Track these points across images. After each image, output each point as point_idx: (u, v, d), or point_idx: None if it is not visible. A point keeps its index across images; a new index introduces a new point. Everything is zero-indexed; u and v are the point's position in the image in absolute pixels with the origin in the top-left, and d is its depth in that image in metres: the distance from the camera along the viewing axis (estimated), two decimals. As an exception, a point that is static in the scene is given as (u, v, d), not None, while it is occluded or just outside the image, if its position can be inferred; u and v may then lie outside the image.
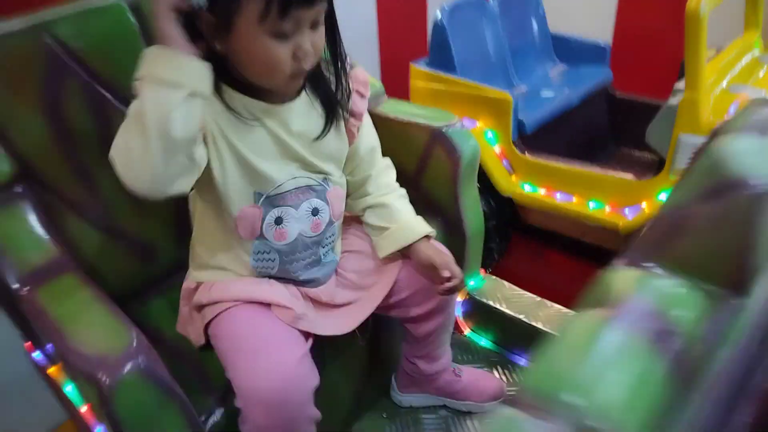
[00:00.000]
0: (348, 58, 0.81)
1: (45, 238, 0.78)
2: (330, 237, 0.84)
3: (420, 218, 0.90)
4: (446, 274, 0.83)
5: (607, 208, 1.49)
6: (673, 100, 1.34)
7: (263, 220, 0.77)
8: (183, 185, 0.68)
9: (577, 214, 1.52)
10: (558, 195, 1.55)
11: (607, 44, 1.91)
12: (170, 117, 0.62)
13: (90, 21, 0.83)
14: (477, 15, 1.72)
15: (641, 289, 0.44)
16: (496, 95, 1.55)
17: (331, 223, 0.83)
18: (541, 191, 1.58)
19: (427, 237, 0.87)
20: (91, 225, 0.86)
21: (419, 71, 1.67)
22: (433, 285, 0.85)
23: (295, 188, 0.78)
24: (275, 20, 0.65)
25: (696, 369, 0.38)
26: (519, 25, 1.89)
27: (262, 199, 0.76)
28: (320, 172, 0.80)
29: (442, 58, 1.64)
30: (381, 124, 0.95)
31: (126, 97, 0.79)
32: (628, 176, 1.44)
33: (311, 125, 0.78)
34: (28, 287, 0.73)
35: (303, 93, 0.78)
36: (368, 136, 0.89)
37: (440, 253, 0.86)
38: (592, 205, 1.51)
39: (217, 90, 0.71)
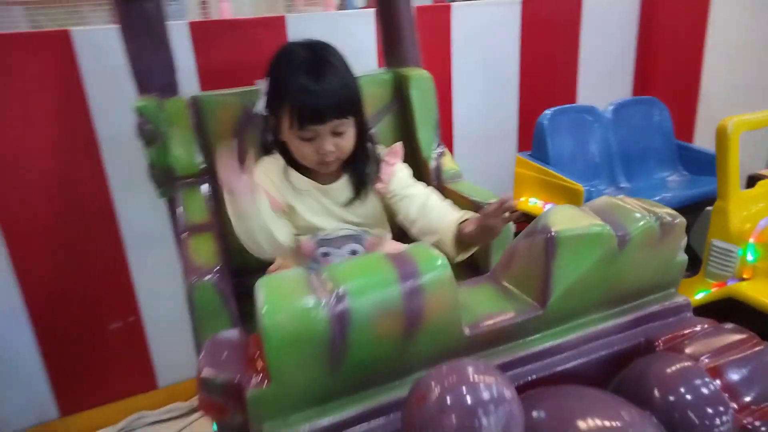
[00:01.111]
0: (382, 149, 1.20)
1: (206, 210, 1.21)
2: None
3: (453, 211, 1.10)
4: (494, 206, 0.96)
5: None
6: (715, 208, 1.42)
7: (316, 250, 1.15)
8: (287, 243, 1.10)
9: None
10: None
11: (733, 157, 1.93)
12: (255, 239, 1.02)
13: None
14: (583, 118, 1.97)
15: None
16: (571, 185, 1.78)
17: None
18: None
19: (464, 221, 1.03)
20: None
21: (521, 159, 1.98)
22: None
23: (339, 236, 1.14)
24: (298, 130, 1.05)
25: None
26: (639, 132, 2.04)
27: (315, 239, 1.15)
28: (359, 225, 1.16)
29: (540, 151, 1.93)
30: (452, 197, 1.26)
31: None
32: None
33: (345, 197, 1.15)
34: (187, 233, 1.16)
35: (343, 175, 1.16)
36: (414, 203, 1.14)
37: (478, 216, 1.01)
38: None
39: (287, 162, 1.13)
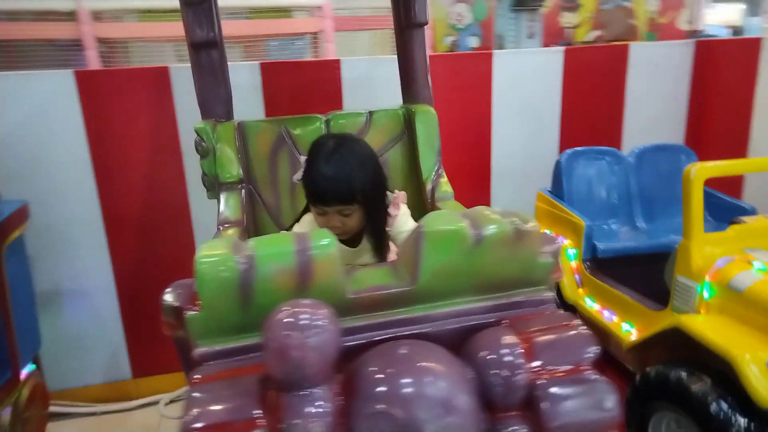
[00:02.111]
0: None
1: (239, 210, 1.48)
2: None
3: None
4: None
5: (634, 332, 1.67)
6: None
7: None
8: None
9: (612, 331, 1.73)
10: (605, 312, 1.79)
11: (752, 207, 1.96)
12: None
13: (303, 123, 1.72)
14: (603, 160, 2.10)
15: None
16: (574, 219, 1.93)
17: None
18: (596, 306, 1.84)
19: None
20: (270, 217, 1.75)
21: (541, 194, 2.15)
22: None
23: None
24: (312, 206, 1.26)
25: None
26: (664, 176, 2.13)
27: None
28: None
29: (556, 187, 2.10)
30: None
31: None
32: (646, 306, 1.62)
33: (365, 259, 1.33)
34: (221, 227, 1.44)
35: (360, 242, 1.32)
36: (401, 232, 1.32)
37: None
38: (625, 326, 1.71)
39: None
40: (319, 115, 1.70)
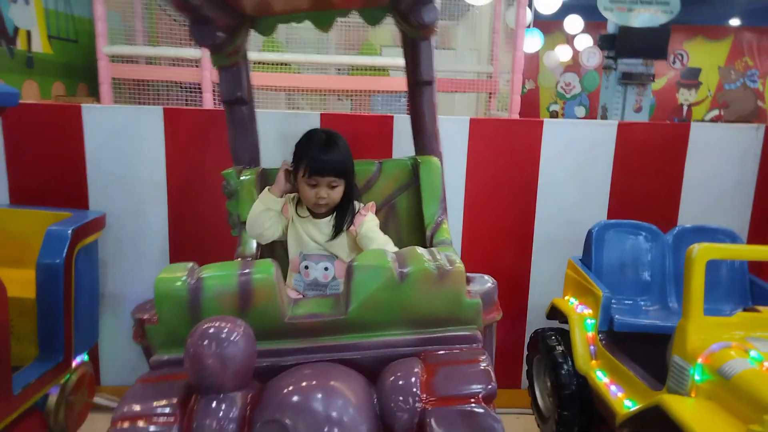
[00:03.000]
0: (360, 205, 1.66)
1: (255, 247, 1.72)
2: (334, 286, 1.67)
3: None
4: None
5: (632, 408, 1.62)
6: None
7: (299, 264, 1.67)
8: (267, 239, 1.69)
9: (614, 407, 1.68)
10: (612, 387, 1.75)
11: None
12: (257, 215, 1.63)
13: None
14: (638, 235, 2.07)
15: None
16: (594, 289, 1.91)
17: (334, 278, 1.66)
18: (606, 380, 1.80)
19: None
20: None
21: (571, 262, 2.15)
22: None
23: (317, 254, 1.63)
24: (308, 178, 1.56)
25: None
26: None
27: (300, 254, 1.66)
28: (334, 253, 1.63)
29: (587, 257, 2.09)
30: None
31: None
32: (648, 384, 1.57)
33: (326, 233, 1.63)
34: (239, 259, 1.83)
35: (330, 216, 1.64)
36: (372, 245, 1.58)
37: None
38: (627, 403, 1.66)
39: (298, 203, 1.68)
40: None
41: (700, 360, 1.38)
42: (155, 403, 0.96)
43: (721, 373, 1.33)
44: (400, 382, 0.96)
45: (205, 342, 0.93)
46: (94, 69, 5.09)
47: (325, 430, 0.90)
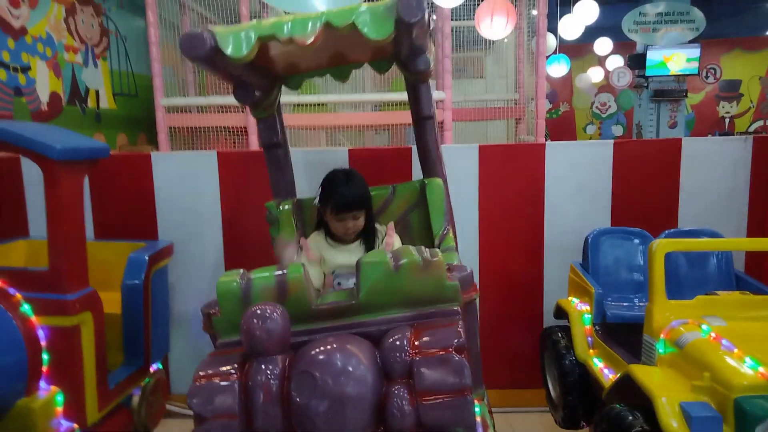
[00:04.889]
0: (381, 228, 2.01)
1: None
2: None
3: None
4: None
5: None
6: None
7: (333, 281, 1.99)
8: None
9: (605, 384, 1.95)
10: (605, 370, 2.01)
11: (771, 290, 2.07)
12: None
13: None
14: (630, 239, 2.34)
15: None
16: (589, 287, 2.19)
17: None
18: (601, 365, 2.06)
19: None
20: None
21: (572, 266, 2.43)
22: None
23: (347, 272, 1.94)
24: (336, 215, 1.90)
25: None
26: (694, 258, 2.30)
27: (333, 273, 2.00)
28: None
29: (585, 262, 2.37)
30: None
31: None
32: (629, 362, 1.84)
33: (358, 254, 1.92)
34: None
35: (358, 241, 1.98)
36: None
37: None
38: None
39: (326, 233, 2.02)
40: None
41: (662, 335, 1.65)
42: (222, 367, 1.33)
43: (677, 344, 1.60)
44: (396, 343, 1.29)
45: (254, 319, 1.28)
46: (152, 120, 5.70)
47: (342, 378, 1.24)
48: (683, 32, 8.72)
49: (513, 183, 2.79)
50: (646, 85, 10.40)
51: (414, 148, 2.74)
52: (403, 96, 6.03)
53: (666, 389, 1.47)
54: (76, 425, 1.91)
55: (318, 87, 6.21)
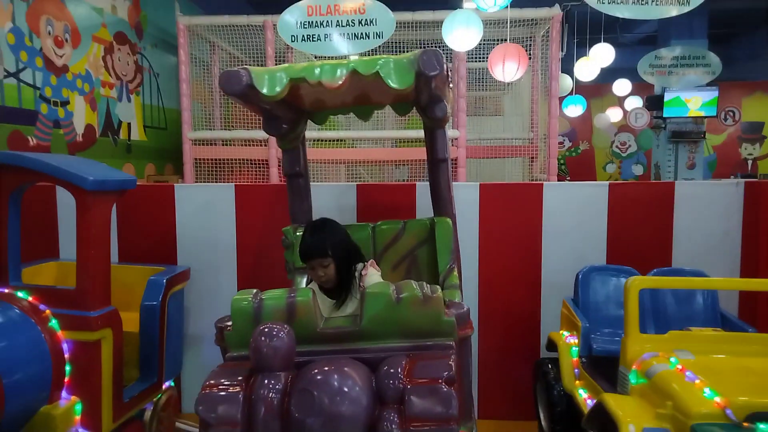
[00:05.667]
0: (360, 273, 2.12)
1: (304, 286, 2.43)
2: None
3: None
4: None
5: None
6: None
7: None
8: None
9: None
10: (589, 401, 2.11)
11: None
12: None
13: (357, 229, 2.42)
14: (620, 277, 2.45)
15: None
16: (577, 321, 2.30)
17: None
18: (585, 396, 2.16)
19: None
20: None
21: (564, 301, 2.55)
22: None
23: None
24: (303, 263, 2.01)
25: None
26: (682, 297, 2.40)
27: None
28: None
29: (576, 296, 2.49)
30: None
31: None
32: (603, 388, 1.95)
33: (326, 309, 2.01)
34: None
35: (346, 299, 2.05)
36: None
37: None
38: (597, 412, 2.02)
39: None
40: (369, 224, 2.38)
41: (634, 366, 1.77)
42: (229, 379, 1.48)
43: (647, 375, 1.71)
44: (391, 370, 1.43)
45: (262, 337, 1.44)
46: (179, 151, 6.00)
47: (338, 398, 1.37)
48: (699, 76, 8.83)
49: (512, 220, 2.93)
50: (663, 126, 10.50)
51: (417, 184, 2.92)
52: (420, 134, 6.27)
53: (632, 416, 1.58)
54: (92, 433, 2.08)
55: (338, 123, 6.46)
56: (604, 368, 2.19)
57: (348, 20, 4.84)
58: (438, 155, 2.22)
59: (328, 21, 4.86)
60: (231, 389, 1.45)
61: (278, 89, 1.71)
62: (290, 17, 4.71)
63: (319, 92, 1.95)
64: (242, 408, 1.43)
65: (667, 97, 9.98)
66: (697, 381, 1.59)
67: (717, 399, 1.49)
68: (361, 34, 4.90)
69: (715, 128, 13.49)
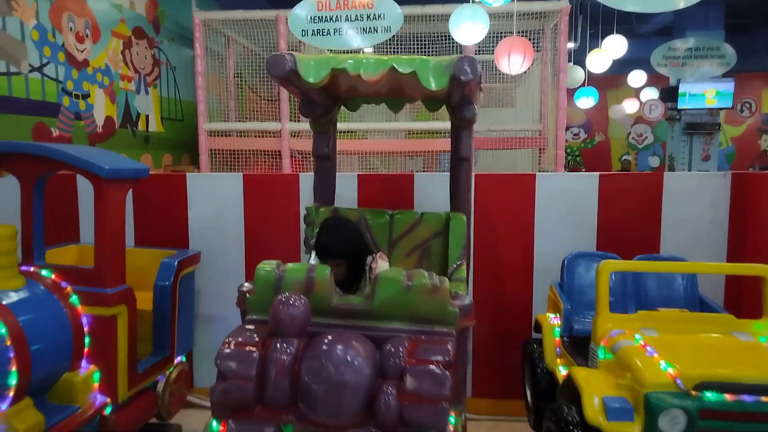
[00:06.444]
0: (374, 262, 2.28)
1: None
2: None
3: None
4: None
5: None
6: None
7: None
8: None
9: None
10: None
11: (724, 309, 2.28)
12: None
13: (376, 215, 2.54)
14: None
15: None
16: (560, 304, 2.44)
17: None
18: (564, 372, 2.30)
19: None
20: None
21: (551, 286, 2.68)
22: None
23: None
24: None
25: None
26: (662, 281, 2.52)
27: None
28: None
29: (562, 281, 2.62)
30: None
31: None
32: (578, 364, 2.08)
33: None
34: None
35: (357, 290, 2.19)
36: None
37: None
38: (573, 388, 2.16)
39: None
40: (387, 210, 2.52)
41: (602, 343, 1.90)
42: (247, 339, 1.62)
43: (613, 350, 1.84)
44: (393, 349, 1.57)
45: (281, 305, 1.59)
46: (195, 142, 6.22)
47: (343, 367, 1.52)
48: (713, 67, 8.78)
49: (506, 210, 3.06)
50: (678, 117, 10.46)
51: (415, 175, 3.07)
52: (429, 125, 6.37)
53: (595, 387, 1.72)
54: (109, 399, 2.27)
55: (350, 115, 6.61)
56: (582, 347, 2.32)
57: (357, 15, 4.97)
58: (461, 153, 2.35)
59: (337, 15, 5.00)
60: (248, 348, 1.59)
61: (320, 77, 1.83)
62: (301, 12, 4.86)
63: (356, 82, 2.05)
64: (257, 366, 1.57)
65: (682, 89, 9.92)
66: (656, 355, 1.72)
67: (670, 370, 1.62)
68: (370, 28, 5.02)
69: (734, 120, 13.36)
